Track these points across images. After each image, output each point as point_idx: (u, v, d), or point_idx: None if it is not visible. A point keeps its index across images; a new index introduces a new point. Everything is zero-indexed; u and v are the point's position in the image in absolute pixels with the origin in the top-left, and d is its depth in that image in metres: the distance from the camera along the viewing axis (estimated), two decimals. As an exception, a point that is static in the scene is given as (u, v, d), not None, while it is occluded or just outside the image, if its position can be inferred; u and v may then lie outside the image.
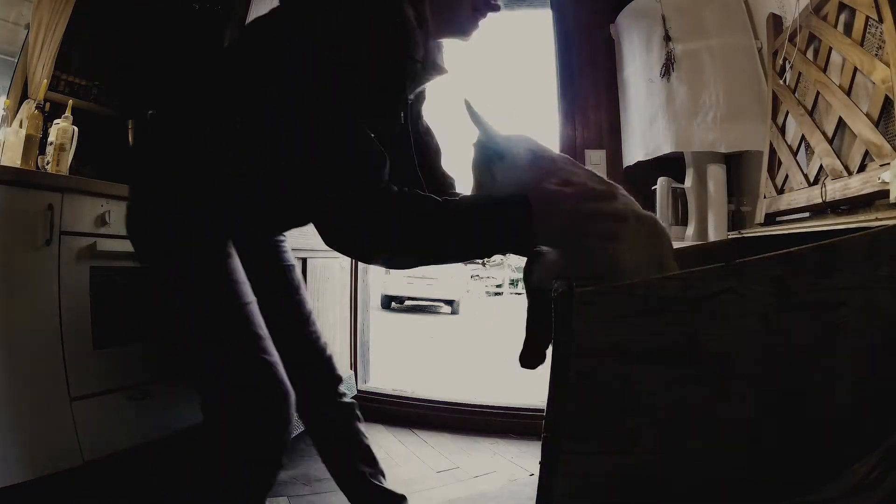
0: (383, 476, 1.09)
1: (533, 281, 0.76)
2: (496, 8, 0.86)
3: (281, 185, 0.80)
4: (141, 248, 0.84)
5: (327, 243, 0.73)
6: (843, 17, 1.20)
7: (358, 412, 1.11)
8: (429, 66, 0.84)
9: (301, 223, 0.95)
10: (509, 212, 0.68)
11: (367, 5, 0.72)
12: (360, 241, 0.72)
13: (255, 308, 0.82)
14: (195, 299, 0.80)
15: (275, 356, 0.81)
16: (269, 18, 0.83)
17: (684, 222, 1.93)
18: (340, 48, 0.71)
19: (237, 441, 0.80)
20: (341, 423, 1.08)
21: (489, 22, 0.89)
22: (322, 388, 1.07)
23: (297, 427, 1.65)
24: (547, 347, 0.63)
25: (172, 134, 0.83)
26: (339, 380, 1.09)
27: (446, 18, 0.83)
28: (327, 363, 1.08)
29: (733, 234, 1.63)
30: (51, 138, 1.54)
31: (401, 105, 0.80)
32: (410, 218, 0.69)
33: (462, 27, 0.86)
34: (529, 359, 0.74)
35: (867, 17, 1.08)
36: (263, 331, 0.82)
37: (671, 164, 1.97)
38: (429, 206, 0.70)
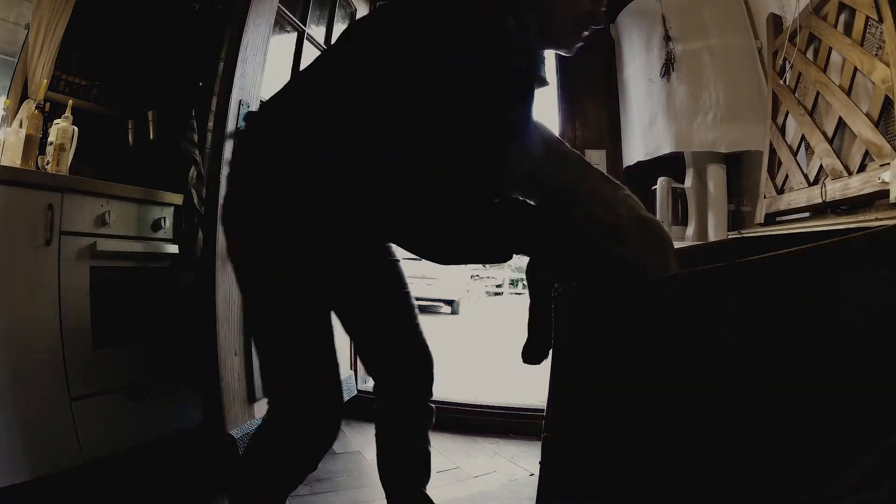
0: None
1: (536, 280, 0.76)
2: (599, 23, 0.84)
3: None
4: (238, 245, 0.85)
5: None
6: (843, 17, 1.20)
7: (433, 418, 1.09)
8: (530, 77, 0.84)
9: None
10: (546, 231, 0.72)
11: (470, 15, 0.72)
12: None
13: (330, 323, 0.84)
14: (279, 306, 0.82)
15: (339, 373, 0.85)
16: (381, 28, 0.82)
17: (684, 222, 1.93)
18: (442, 58, 0.72)
19: (284, 441, 0.83)
20: (420, 427, 1.06)
21: None
22: (420, 383, 1.05)
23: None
24: (549, 343, 0.63)
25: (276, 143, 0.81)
26: (433, 379, 1.08)
27: (548, 31, 0.82)
28: (430, 359, 1.06)
29: (733, 234, 1.63)
30: (51, 138, 1.53)
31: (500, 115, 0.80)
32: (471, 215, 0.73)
33: (564, 41, 0.85)
34: (533, 354, 0.75)
35: (867, 17, 1.08)
36: (334, 345, 0.84)
37: (671, 164, 1.97)
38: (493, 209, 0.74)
